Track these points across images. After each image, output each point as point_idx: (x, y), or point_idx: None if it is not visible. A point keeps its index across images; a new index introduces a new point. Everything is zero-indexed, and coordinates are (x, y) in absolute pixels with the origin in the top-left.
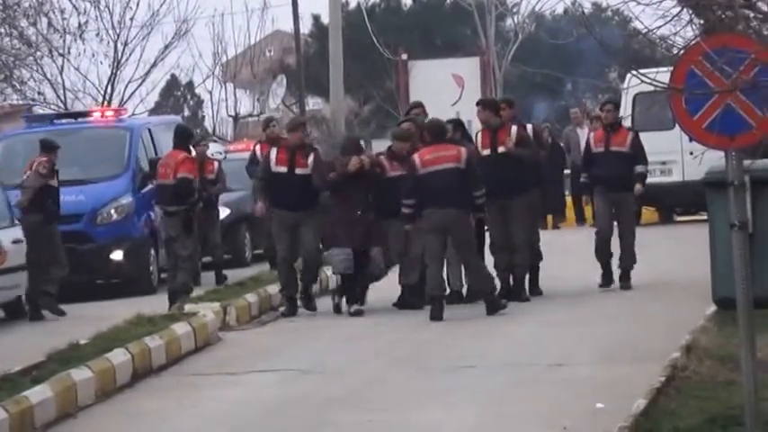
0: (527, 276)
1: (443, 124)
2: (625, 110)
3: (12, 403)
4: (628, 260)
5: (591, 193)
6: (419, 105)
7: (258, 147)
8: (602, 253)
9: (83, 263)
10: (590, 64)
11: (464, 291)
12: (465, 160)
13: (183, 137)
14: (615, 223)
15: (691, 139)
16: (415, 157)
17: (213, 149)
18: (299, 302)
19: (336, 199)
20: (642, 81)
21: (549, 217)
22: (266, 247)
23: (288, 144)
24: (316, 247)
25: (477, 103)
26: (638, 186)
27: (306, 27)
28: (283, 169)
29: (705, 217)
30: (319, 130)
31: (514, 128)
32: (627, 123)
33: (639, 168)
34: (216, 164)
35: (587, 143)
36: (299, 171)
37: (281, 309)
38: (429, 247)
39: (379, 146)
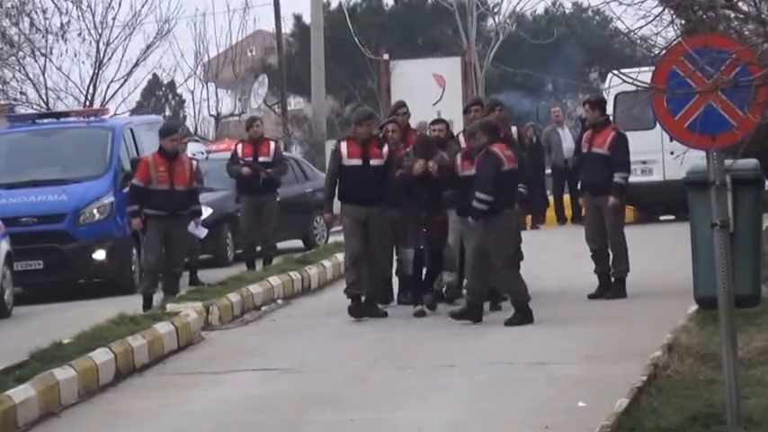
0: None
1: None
2: (606, 110)
3: None
4: (619, 267)
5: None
6: (404, 105)
7: (240, 146)
8: (597, 263)
9: (65, 262)
10: (571, 64)
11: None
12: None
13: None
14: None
15: (671, 139)
16: (498, 151)
17: (195, 149)
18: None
19: (405, 198)
20: (624, 81)
21: (528, 217)
22: (245, 248)
23: (358, 136)
24: (384, 246)
25: (478, 103)
26: (611, 200)
27: (287, 27)
28: (357, 161)
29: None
30: (300, 129)
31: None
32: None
33: (616, 177)
34: (194, 163)
35: (579, 144)
36: (373, 162)
37: (349, 305)
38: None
39: None
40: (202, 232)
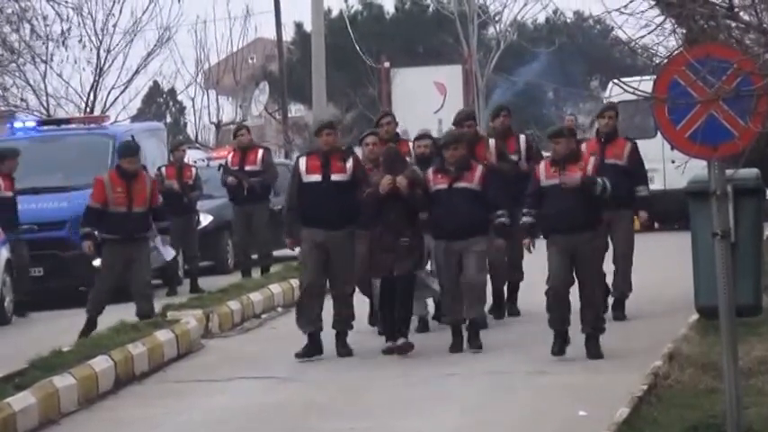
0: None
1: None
2: None
3: None
4: (623, 288)
5: None
6: (388, 114)
7: (231, 155)
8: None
9: (65, 269)
10: (571, 72)
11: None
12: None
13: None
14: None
15: (672, 148)
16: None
17: (195, 156)
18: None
19: (376, 219)
20: (625, 90)
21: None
22: (239, 257)
23: (319, 149)
24: (349, 276)
25: (504, 108)
26: (643, 214)
27: (288, 34)
28: (316, 178)
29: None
30: (301, 136)
31: (492, 141)
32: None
33: (642, 191)
34: (194, 170)
35: None
36: (336, 177)
37: (298, 351)
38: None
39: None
40: (169, 254)
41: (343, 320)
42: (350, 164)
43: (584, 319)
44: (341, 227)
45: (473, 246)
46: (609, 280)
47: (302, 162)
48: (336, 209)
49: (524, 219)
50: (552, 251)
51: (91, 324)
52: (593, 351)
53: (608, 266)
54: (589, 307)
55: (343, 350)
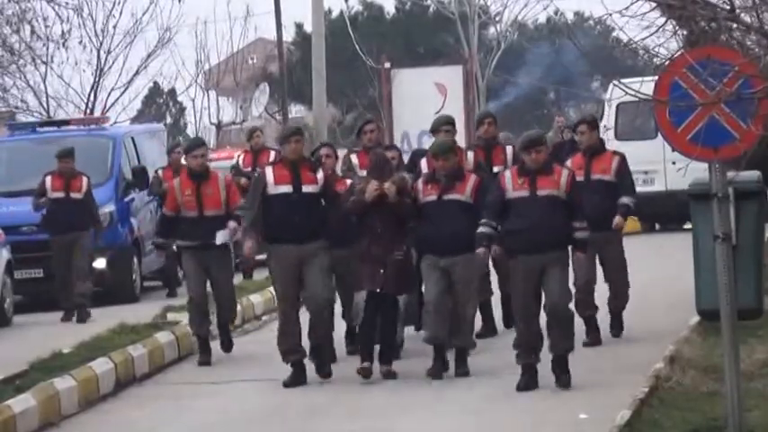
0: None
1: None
2: (608, 120)
3: None
4: (616, 302)
5: None
6: (371, 122)
7: (242, 156)
8: (586, 307)
9: None
10: (573, 73)
11: None
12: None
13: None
14: (600, 267)
15: (673, 149)
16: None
17: None
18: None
19: (360, 230)
20: (626, 93)
21: None
22: (241, 258)
23: (286, 158)
24: (326, 293)
25: (489, 116)
26: (618, 219)
27: (289, 35)
28: (286, 189)
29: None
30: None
31: (470, 153)
32: (609, 135)
33: (625, 199)
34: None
35: None
36: (307, 189)
37: (284, 379)
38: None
39: None
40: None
41: (320, 338)
42: (320, 174)
43: (552, 341)
44: (312, 240)
45: (463, 265)
46: (600, 298)
47: (269, 172)
48: (307, 222)
49: (481, 229)
50: (518, 278)
51: (204, 345)
52: (561, 376)
53: (601, 284)
54: (557, 326)
55: (322, 368)
